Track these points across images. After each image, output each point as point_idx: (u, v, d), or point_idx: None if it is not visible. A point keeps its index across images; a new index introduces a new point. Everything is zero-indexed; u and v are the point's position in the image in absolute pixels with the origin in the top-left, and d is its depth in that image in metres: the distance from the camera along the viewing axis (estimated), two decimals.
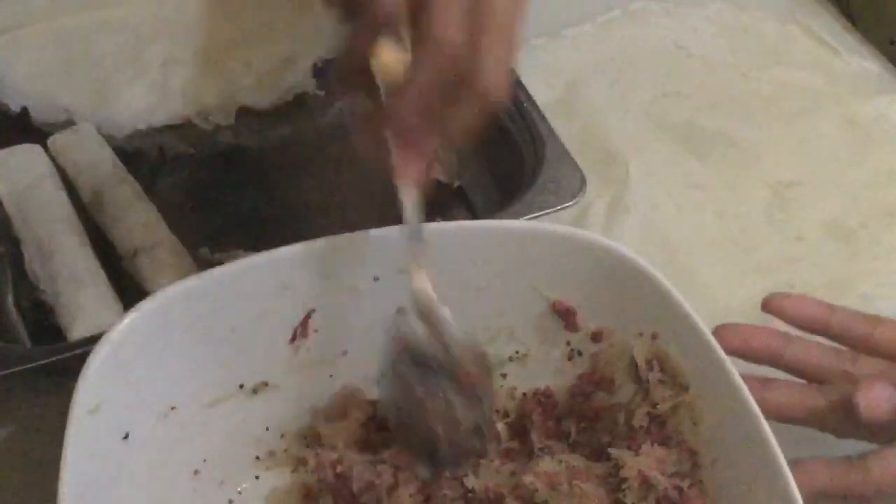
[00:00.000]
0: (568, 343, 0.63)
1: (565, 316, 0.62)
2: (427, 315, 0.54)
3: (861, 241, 0.76)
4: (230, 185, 0.80)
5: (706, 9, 0.92)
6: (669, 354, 0.59)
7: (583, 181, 0.72)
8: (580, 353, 0.63)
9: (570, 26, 0.90)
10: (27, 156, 0.77)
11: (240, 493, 0.62)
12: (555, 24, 0.91)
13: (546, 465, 0.58)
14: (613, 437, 0.60)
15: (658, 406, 0.59)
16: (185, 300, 0.57)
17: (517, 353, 0.64)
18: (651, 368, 0.59)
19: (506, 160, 0.78)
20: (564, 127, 0.77)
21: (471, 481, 0.59)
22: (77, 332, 0.67)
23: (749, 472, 0.54)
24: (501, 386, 0.65)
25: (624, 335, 0.61)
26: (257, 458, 0.63)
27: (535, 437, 0.62)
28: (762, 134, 0.84)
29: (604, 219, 0.76)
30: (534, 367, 0.64)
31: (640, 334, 0.60)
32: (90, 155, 0.77)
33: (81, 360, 0.54)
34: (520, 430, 0.64)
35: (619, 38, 0.90)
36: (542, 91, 0.84)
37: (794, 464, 0.52)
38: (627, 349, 0.61)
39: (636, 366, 0.60)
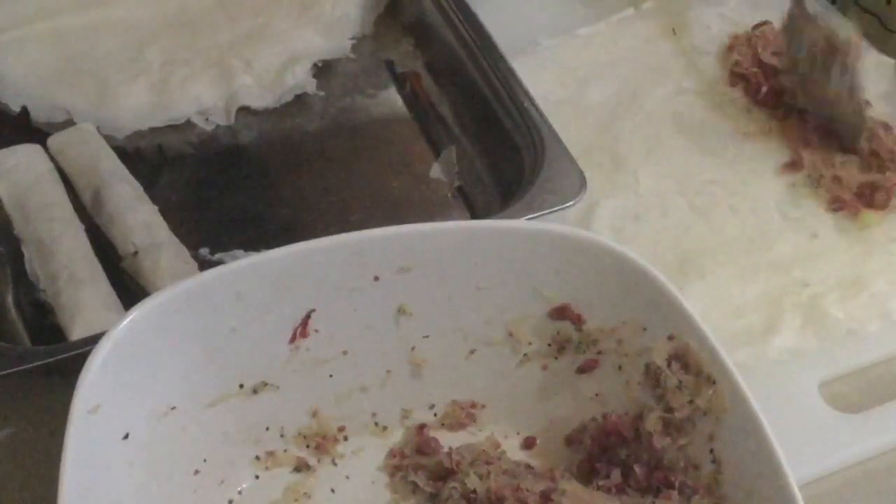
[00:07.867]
0: (568, 342, 0.63)
1: (565, 316, 0.62)
2: None
3: (875, 238, 0.76)
4: (230, 185, 0.80)
5: (721, 7, 0.92)
6: (690, 347, 0.58)
7: (583, 181, 0.71)
8: (582, 353, 0.63)
9: (584, 25, 0.90)
10: (27, 156, 0.77)
11: (240, 493, 0.62)
12: (569, 23, 0.91)
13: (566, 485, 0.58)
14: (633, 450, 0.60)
15: (679, 409, 0.58)
16: (185, 300, 0.57)
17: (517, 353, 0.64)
18: (671, 367, 0.58)
19: (506, 160, 0.78)
20: (576, 125, 0.76)
21: (473, 482, 0.59)
22: (77, 332, 0.67)
23: (752, 476, 0.54)
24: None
25: (626, 335, 0.61)
26: (257, 458, 0.63)
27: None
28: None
29: (615, 216, 0.76)
30: (534, 368, 0.64)
31: (645, 329, 0.60)
32: (90, 155, 0.77)
33: (81, 360, 0.54)
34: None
35: (633, 36, 0.90)
36: (555, 90, 0.83)
37: None
38: (640, 352, 0.60)
39: (650, 368, 0.60)
